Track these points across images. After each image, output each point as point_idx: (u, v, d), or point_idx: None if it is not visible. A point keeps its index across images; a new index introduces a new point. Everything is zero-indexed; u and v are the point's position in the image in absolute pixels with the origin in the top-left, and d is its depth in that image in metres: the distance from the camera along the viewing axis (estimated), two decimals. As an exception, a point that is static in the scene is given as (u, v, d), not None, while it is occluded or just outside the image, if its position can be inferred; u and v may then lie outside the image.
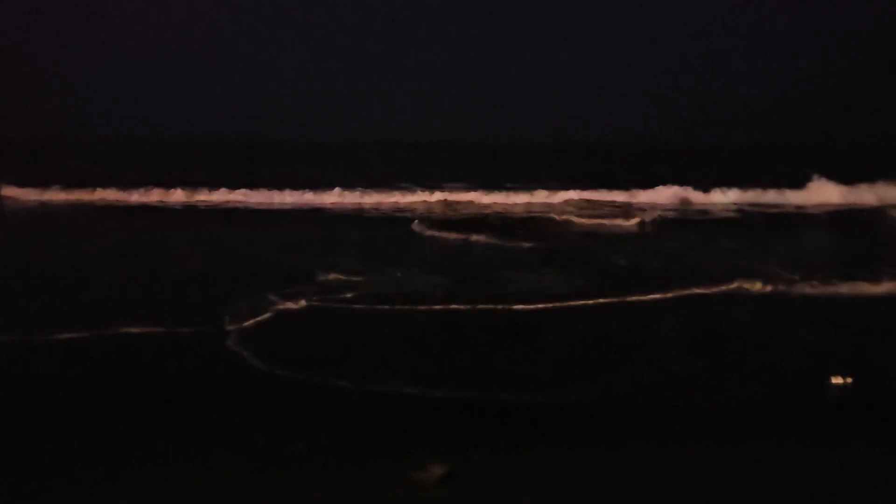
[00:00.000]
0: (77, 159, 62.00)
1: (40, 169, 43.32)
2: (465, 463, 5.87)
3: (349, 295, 11.65)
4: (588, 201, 28.34)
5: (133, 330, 9.62)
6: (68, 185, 31.01)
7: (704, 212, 26.10)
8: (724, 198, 28.41)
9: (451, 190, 30.63)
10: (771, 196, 28.42)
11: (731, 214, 25.43)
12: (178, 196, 29.93)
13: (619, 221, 22.81)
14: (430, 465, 5.77)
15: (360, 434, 6.59)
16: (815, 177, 28.86)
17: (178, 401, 7.41)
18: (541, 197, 28.64)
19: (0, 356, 8.84)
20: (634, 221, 22.55)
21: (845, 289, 11.96)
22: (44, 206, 28.36)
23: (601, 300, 11.27)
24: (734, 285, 12.10)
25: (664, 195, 28.76)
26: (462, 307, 10.90)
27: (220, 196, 30.12)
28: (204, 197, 30.07)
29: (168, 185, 30.64)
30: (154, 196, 29.81)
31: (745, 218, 24.55)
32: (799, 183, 29.02)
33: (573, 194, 29.07)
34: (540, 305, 10.99)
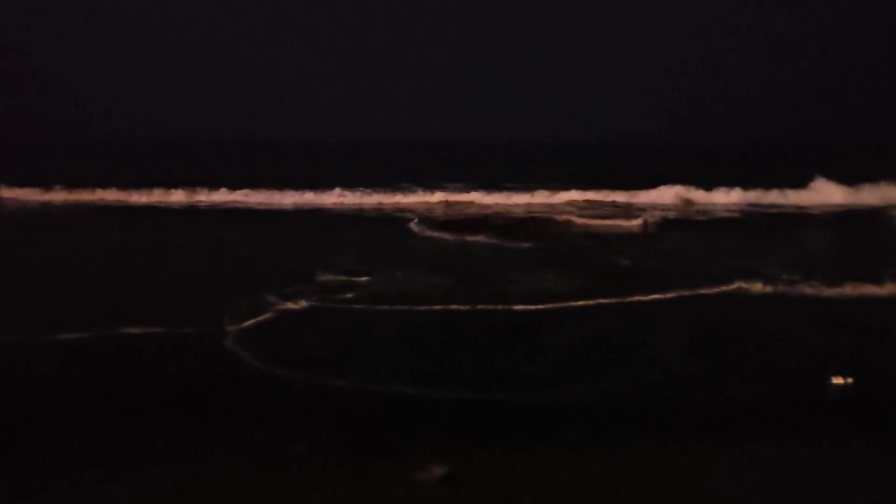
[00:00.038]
0: (77, 159, 61.90)
1: (40, 169, 43.26)
2: (465, 463, 5.86)
3: (349, 295, 11.65)
4: (589, 201, 28.30)
5: (133, 330, 9.61)
6: (68, 185, 30.96)
7: (705, 212, 26.08)
8: (725, 198, 28.36)
9: (451, 190, 30.62)
10: (772, 196, 28.37)
11: (733, 215, 25.42)
12: (178, 196, 29.90)
13: (620, 222, 22.77)
14: (430, 465, 5.76)
15: (360, 434, 6.58)
16: (817, 177, 28.87)
17: (178, 401, 7.41)
18: (541, 197, 28.61)
19: (0, 356, 8.83)
20: (635, 222, 22.52)
21: (846, 289, 11.94)
22: (44, 206, 28.33)
23: (601, 300, 11.25)
24: (735, 286, 12.09)
25: (665, 195, 28.71)
26: (462, 307, 10.89)
27: (221, 196, 30.08)
28: (204, 197, 30.03)
29: (168, 185, 30.61)
30: (154, 196, 29.78)
31: (746, 218, 24.54)
32: (801, 183, 29.00)
33: (574, 194, 29.02)
34: (540, 306, 10.98)
